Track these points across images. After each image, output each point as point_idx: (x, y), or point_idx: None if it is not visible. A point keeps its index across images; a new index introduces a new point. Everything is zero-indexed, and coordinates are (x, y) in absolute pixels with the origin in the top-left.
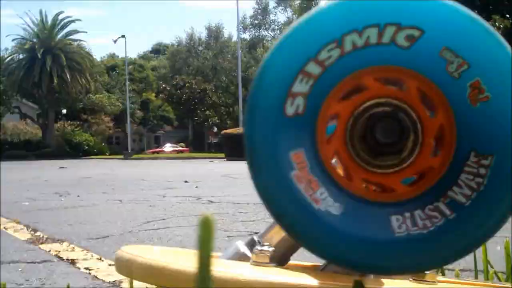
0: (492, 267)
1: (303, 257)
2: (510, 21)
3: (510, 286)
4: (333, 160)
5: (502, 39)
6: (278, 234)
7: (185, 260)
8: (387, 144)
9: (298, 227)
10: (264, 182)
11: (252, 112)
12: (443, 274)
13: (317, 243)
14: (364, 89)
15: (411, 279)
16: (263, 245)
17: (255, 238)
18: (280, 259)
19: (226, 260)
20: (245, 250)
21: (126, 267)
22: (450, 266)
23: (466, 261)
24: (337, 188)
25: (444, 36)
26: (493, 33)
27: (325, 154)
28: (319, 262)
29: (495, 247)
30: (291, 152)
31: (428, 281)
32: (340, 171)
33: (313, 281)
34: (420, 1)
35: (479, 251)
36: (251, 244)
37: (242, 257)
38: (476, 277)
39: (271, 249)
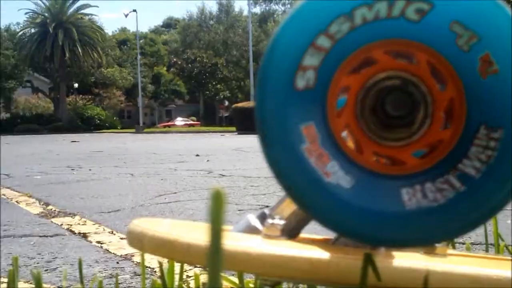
0: (503, 240)
1: (314, 230)
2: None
3: None
4: (344, 133)
5: (510, 13)
6: (289, 207)
7: (196, 233)
8: (398, 117)
9: (309, 200)
10: (275, 155)
11: (262, 85)
12: (454, 248)
13: (328, 216)
14: (374, 63)
15: (422, 252)
16: (274, 218)
17: (266, 211)
18: (291, 232)
19: (237, 233)
20: (256, 223)
21: (138, 240)
22: (460, 240)
23: (477, 235)
24: (348, 161)
25: (454, 10)
26: (502, 6)
27: (336, 127)
28: (331, 235)
29: (506, 220)
30: (301, 126)
31: (439, 254)
32: (351, 144)
33: (324, 254)
34: None
35: (490, 224)
36: (262, 217)
37: (253, 230)
38: (487, 251)
39: (282, 222)
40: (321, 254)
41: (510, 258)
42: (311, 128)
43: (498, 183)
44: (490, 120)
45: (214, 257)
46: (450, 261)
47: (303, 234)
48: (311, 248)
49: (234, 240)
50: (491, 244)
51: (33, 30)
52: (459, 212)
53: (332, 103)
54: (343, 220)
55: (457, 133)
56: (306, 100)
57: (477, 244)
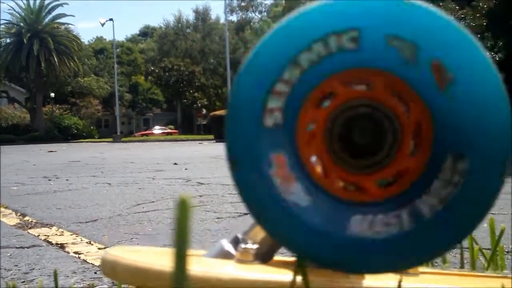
0: (477, 243)
1: (288, 253)
2: (494, 1)
3: (488, 274)
4: (314, 159)
5: (439, 12)
6: (262, 231)
7: (170, 261)
8: (365, 145)
9: (269, 218)
10: (243, 179)
11: (232, 122)
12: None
13: (282, 233)
14: (335, 95)
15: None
16: (247, 243)
17: (239, 235)
18: (265, 256)
19: (210, 258)
20: (229, 248)
21: (111, 269)
22: None
23: None
24: (312, 184)
25: (382, 25)
26: (431, 10)
27: (305, 155)
28: None
29: (482, 224)
30: (271, 154)
31: (411, 273)
32: (319, 169)
33: (296, 278)
34: (345, 2)
35: None
36: (236, 242)
37: (226, 255)
38: (462, 254)
39: (255, 246)
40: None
41: (482, 274)
42: (280, 156)
43: (448, 229)
44: (455, 145)
45: (180, 266)
46: (423, 279)
47: (276, 257)
48: (283, 272)
49: (207, 266)
50: (466, 248)
51: (8, 40)
52: (397, 250)
53: (301, 134)
54: (294, 238)
55: (423, 161)
56: (275, 134)
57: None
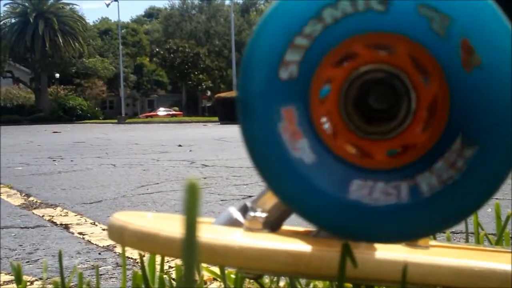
0: (483, 229)
1: (297, 222)
2: None
3: (498, 248)
4: (324, 119)
5: None
6: (271, 200)
7: (178, 227)
8: (380, 111)
9: (273, 172)
10: (252, 130)
11: (246, 74)
12: (435, 238)
13: (285, 188)
14: (356, 56)
15: (404, 244)
16: (255, 211)
17: (248, 204)
18: (273, 225)
19: (218, 226)
20: (238, 216)
21: (118, 234)
22: None
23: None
24: (319, 142)
25: None
26: None
27: (316, 113)
28: (312, 227)
29: (486, 209)
30: (282, 107)
31: (421, 246)
32: (329, 129)
33: (306, 247)
34: None
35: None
36: (244, 210)
37: (235, 223)
38: (467, 240)
39: (264, 215)
40: (303, 247)
41: (491, 248)
42: (290, 110)
43: (442, 210)
44: (467, 131)
45: (189, 249)
46: (432, 252)
47: (285, 226)
48: (292, 241)
49: (216, 233)
50: (471, 233)
51: (13, 20)
52: (393, 221)
53: (315, 92)
54: (296, 195)
55: (432, 139)
56: (289, 88)
57: (458, 233)
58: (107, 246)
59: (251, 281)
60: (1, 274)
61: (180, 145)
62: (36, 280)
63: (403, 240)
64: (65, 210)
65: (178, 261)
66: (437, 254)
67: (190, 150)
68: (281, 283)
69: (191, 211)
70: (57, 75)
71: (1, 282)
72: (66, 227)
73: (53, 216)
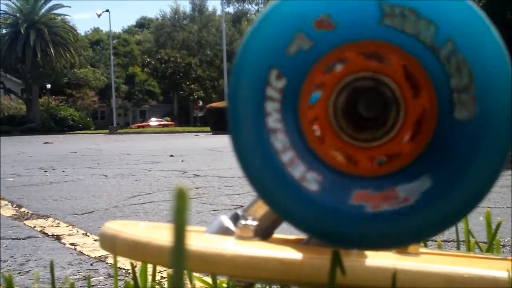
0: (473, 237)
1: (288, 231)
2: None
3: (489, 256)
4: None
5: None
6: (262, 208)
7: (169, 236)
8: (369, 119)
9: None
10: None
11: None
12: (426, 246)
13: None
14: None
15: (394, 251)
16: (246, 219)
17: (239, 212)
18: (264, 233)
19: (210, 234)
20: (229, 224)
21: (110, 243)
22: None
23: (449, 232)
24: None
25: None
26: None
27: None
28: (303, 235)
29: (478, 217)
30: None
31: (412, 253)
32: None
33: (297, 255)
34: None
35: (461, 221)
36: (235, 219)
37: (226, 232)
38: (458, 248)
39: (255, 223)
40: (294, 254)
41: (481, 255)
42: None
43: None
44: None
45: (178, 255)
46: (423, 259)
47: (276, 235)
48: (283, 248)
49: (207, 242)
50: (462, 241)
51: (4, 31)
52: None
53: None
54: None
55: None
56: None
57: (449, 242)
58: (99, 256)
59: None
60: None
61: (172, 155)
62: None
63: (390, 247)
64: (56, 221)
65: (170, 271)
66: (427, 261)
67: (182, 160)
68: None
69: (180, 216)
70: (49, 85)
71: None
72: (57, 238)
73: (44, 227)
